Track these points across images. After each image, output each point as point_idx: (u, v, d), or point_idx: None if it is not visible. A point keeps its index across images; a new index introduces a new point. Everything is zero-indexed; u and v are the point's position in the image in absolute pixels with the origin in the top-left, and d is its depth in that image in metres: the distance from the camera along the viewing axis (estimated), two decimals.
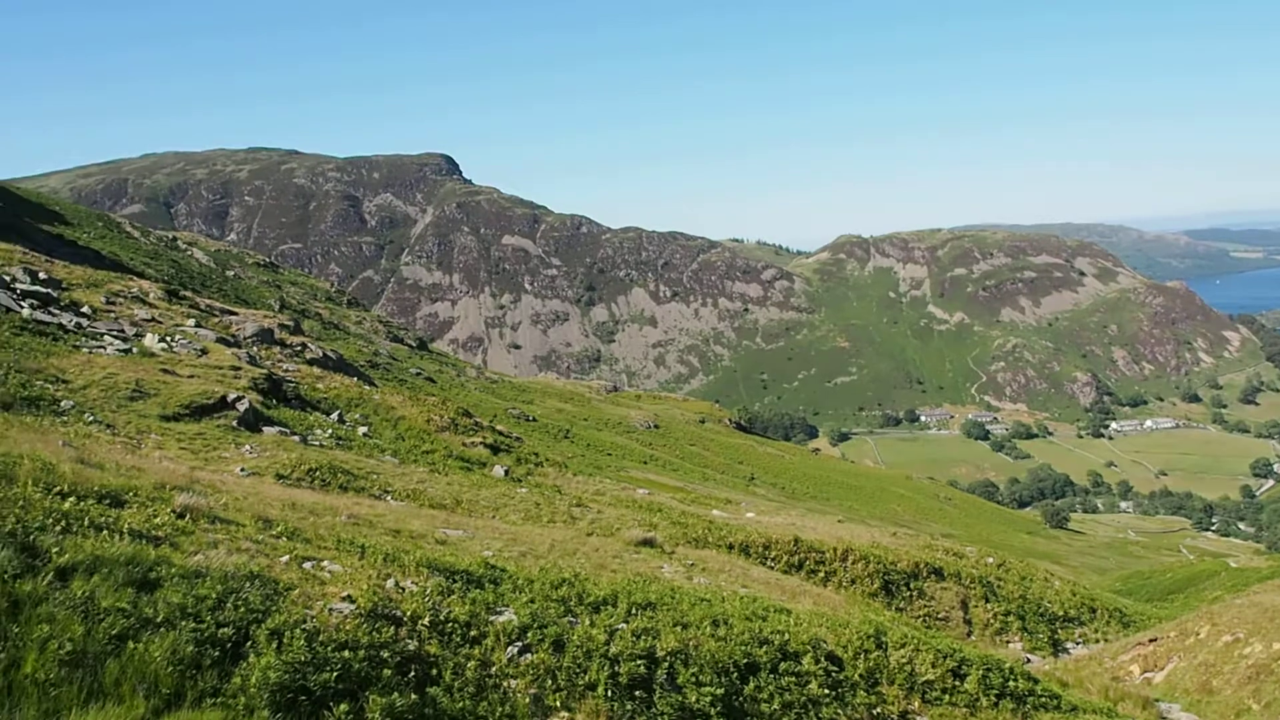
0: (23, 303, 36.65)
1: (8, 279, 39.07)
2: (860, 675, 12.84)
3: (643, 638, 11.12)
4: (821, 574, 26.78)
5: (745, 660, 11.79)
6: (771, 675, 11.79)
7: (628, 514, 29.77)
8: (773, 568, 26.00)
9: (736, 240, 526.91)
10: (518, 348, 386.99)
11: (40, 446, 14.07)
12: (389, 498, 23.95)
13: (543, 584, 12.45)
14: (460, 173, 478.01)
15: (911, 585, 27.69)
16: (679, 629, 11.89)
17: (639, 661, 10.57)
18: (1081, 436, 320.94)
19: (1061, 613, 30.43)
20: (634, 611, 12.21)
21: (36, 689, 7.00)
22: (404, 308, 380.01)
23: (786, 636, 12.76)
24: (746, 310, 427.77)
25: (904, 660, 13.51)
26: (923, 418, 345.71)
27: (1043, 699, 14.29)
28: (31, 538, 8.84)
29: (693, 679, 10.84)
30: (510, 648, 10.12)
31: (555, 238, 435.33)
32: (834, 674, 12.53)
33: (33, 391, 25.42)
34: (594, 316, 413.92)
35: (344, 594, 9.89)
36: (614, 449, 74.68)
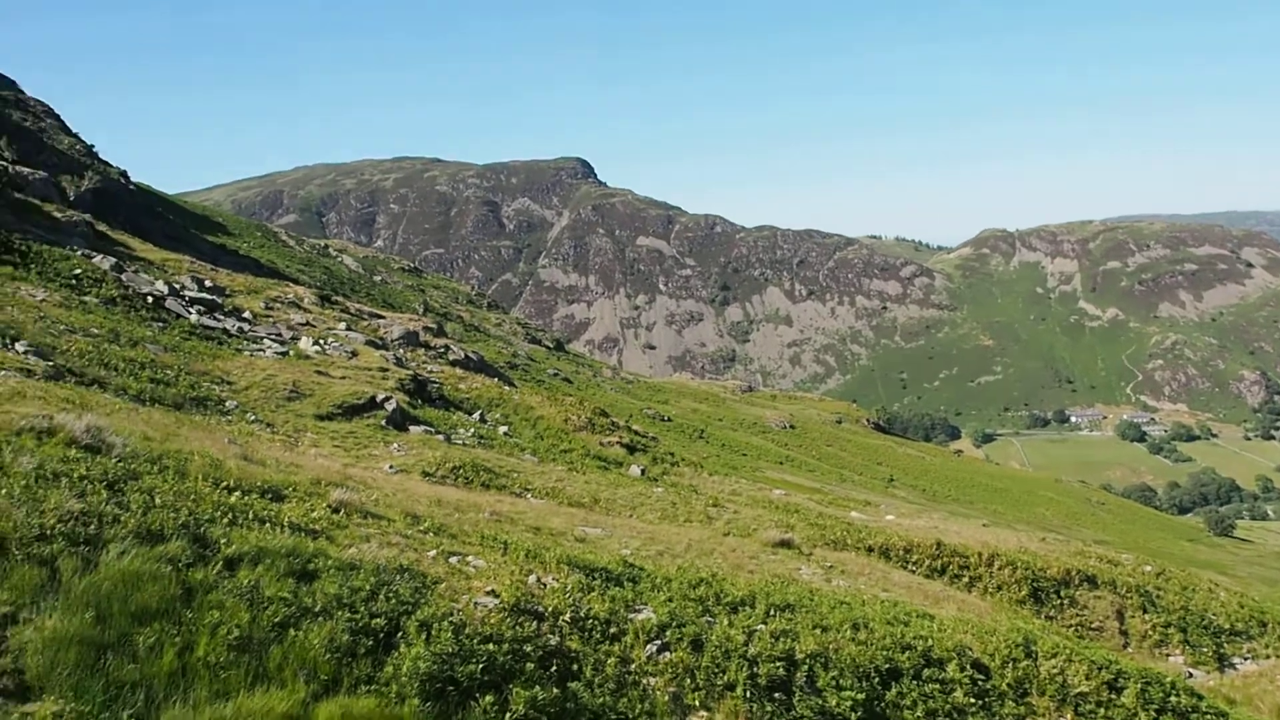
0: (191, 309, 39.10)
1: (178, 287, 41.74)
2: (1008, 685, 12.39)
3: (781, 639, 11.03)
4: (965, 579, 25.96)
5: (887, 665, 11.55)
6: (914, 682, 11.51)
7: (764, 514, 29.57)
8: (914, 572, 25.36)
9: (874, 237, 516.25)
10: (652, 348, 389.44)
11: (208, 444, 14.97)
12: (529, 495, 24.47)
13: (680, 583, 12.50)
14: (595, 176, 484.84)
15: (1062, 593, 26.54)
16: (818, 631, 11.75)
17: (778, 663, 10.49)
18: (1249, 439, 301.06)
19: (1228, 626, 28.61)
20: (772, 613, 12.13)
21: (208, 671, 7.46)
22: (541, 310, 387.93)
23: (930, 642, 12.43)
24: (885, 308, 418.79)
25: (1055, 670, 12.96)
26: (1073, 418, 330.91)
27: (1208, 716, 13.47)
28: (202, 529, 9.42)
29: (833, 682, 10.69)
30: (649, 645, 10.20)
31: (689, 238, 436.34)
32: (980, 683, 12.14)
33: (200, 392, 27.08)
34: (728, 316, 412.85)
35: (488, 588, 10.17)
36: (749, 449, 74.29)
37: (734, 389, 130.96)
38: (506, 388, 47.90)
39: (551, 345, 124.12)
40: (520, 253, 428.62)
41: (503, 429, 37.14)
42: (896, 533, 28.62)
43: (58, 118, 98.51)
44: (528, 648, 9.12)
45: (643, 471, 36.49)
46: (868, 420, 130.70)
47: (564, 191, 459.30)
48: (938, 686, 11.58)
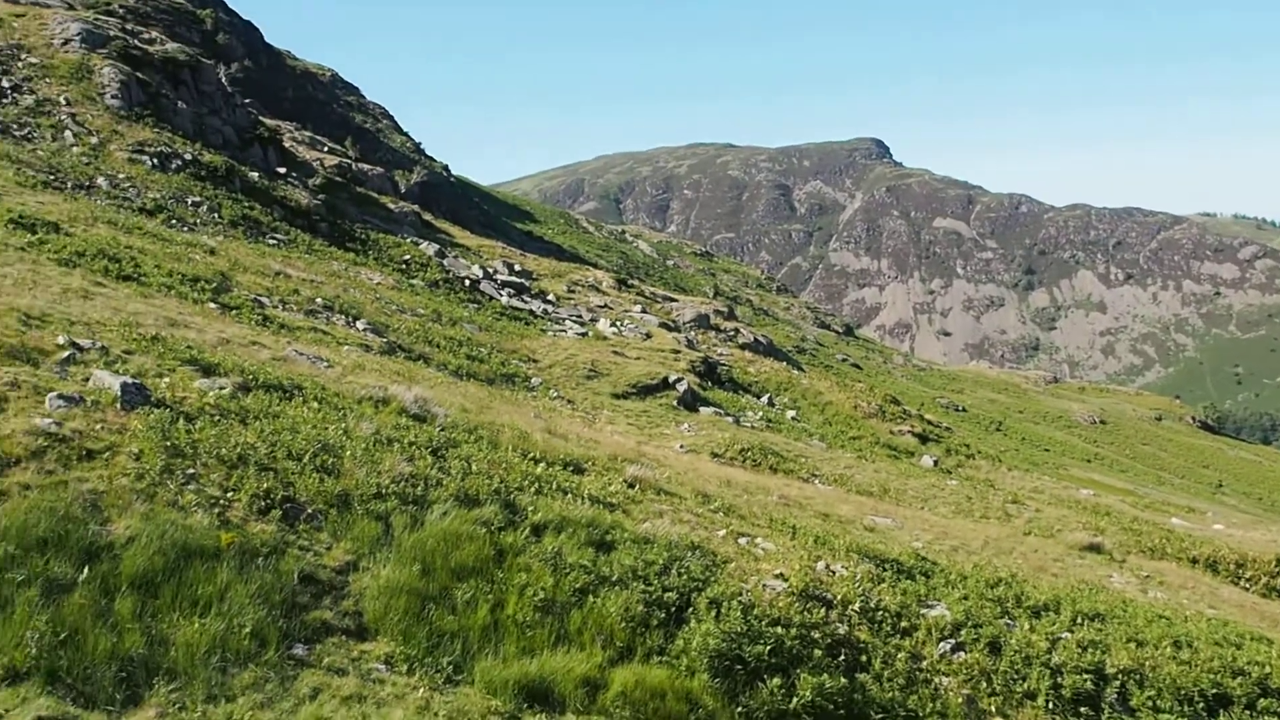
0: (502, 291, 42.08)
1: (491, 271, 45.04)
2: None
3: (1090, 650, 10.23)
4: None
5: (1214, 691, 10.39)
6: (1247, 711, 10.28)
7: (1069, 515, 27.57)
8: (1248, 589, 22.68)
9: (1207, 215, 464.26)
10: (947, 334, 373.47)
11: (517, 417, 16.05)
12: (817, 481, 24.28)
13: (977, 581, 11.91)
14: (890, 156, 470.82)
15: None
16: (1132, 645, 10.78)
17: (1085, 675, 9.74)
18: None
19: None
20: (1079, 621, 11.28)
21: (516, 628, 8.00)
22: (831, 294, 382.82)
23: (1268, 670, 11.06)
24: (1218, 294, 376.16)
25: None
26: None
27: None
28: (512, 496, 10.11)
29: (1149, 703, 9.77)
30: (942, 644, 9.80)
31: (991, 219, 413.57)
32: None
33: (509, 369, 29.10)
34: (1033, 302, 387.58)
35: (776, 571, 10.18)
36: (1052, 444, 69.56)
37: (1037, 379, 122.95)
38: (795, 372, 47.76)
39: (841, 330, 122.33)
40: (811, 236, 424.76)
41: (790, 413, 37.08)
42: (1226, 544, 25.74)
43: (392, 119, 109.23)
44: (815, 634, 9.04)
45: (935, 463, 35.16)
46: (1193, 418, 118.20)
47: (857, 173, 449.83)
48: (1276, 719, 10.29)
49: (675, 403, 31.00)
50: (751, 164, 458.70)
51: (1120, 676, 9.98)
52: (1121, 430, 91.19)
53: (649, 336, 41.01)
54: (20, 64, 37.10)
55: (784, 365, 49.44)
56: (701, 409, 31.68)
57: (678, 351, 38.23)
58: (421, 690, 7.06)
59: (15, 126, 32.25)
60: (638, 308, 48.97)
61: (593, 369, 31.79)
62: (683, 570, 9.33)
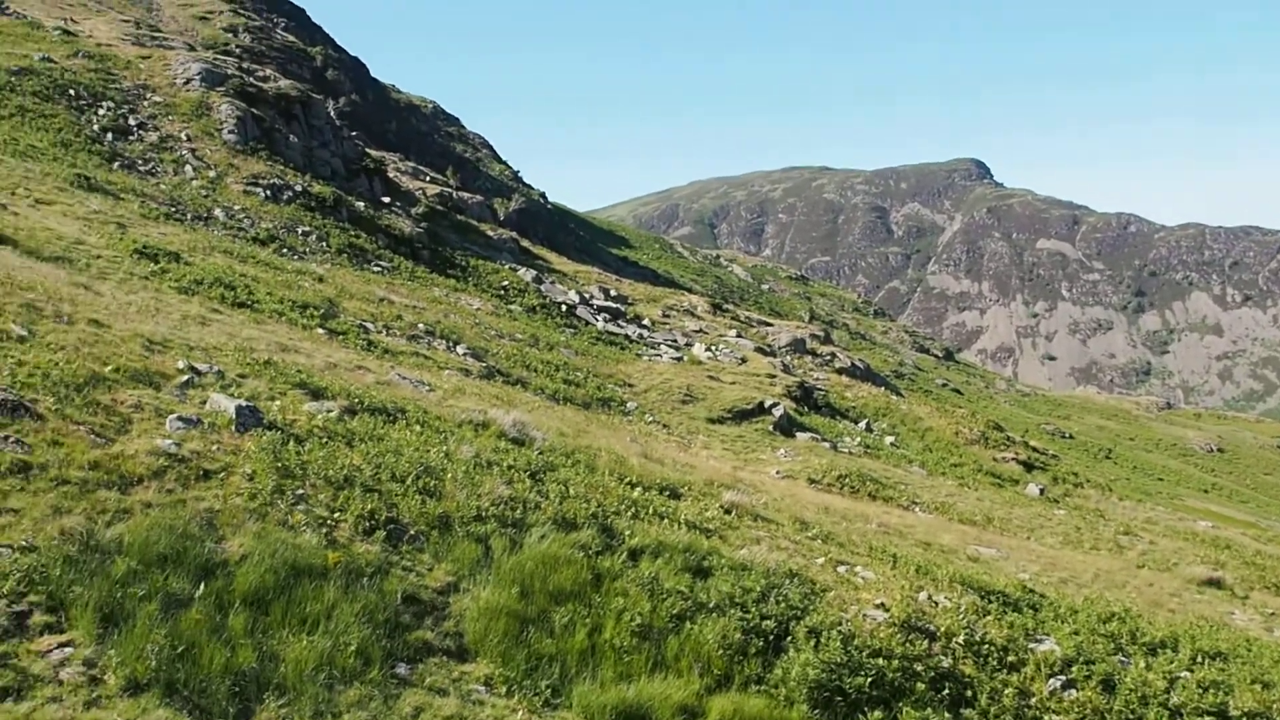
0: (598, 316, 42.45)
1: (587, 296, 45.51)
2: None
3: (1211, 691, 9.72)
4: None
5: None
6: None
7: (1186, 547, 26.36)
8: None
9: None
10: (1052, 359, 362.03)
11: (613, 441, 16.13)
12: (917, 509, 23.75)
13: (1088, 616, 11.46)
14: (991, 176, 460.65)
15: None
16: (1257, 687, 10.21)
17: (1207, 718, 9.26)
18: None
19: None
20: (1199, 659, 10.74)
21: (613, 653, 8.00)
22: (930, 317, 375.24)
23: None
24: None
25: None
26: None
27: None
28: (609, 521, 10.14)
29: None
30: (1052, 680, 9.44)
31: (1097, 239, 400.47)
32: None
33: (605, 393, 29.29)
34: (1143, 325, 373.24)
35: (877, 601, 9.96)
36: (1166, 473, 66.67)
37: (1148, 405, 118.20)
38: (893, 397, 46.91)
39: (940, 354, 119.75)
40: (908, 259, 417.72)
41: (889, 439, 36.41)
42: None
43: (491, 148, 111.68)
44: (918, 666, 8.81)
45: (1041, 491, 34.04)
46: None
47: (956, 194, 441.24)
48: None
49: (771, 428, 30.74)
50: (847, 186, 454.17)
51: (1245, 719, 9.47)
52: (1241, 459, 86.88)
53: (744, 361, 40.83)
54: (146, 103, 39.14)
55: (882, 390, 48.62)
56: (798, 434, 31.34)
57: (773, 376, 37.95)
58: (520, 713, 7.11)
59: (140, 162, 34.00)
60: (733, 332, 48.82)
61: (688, 393, 31.78)
62: (781, 598, 9.21)
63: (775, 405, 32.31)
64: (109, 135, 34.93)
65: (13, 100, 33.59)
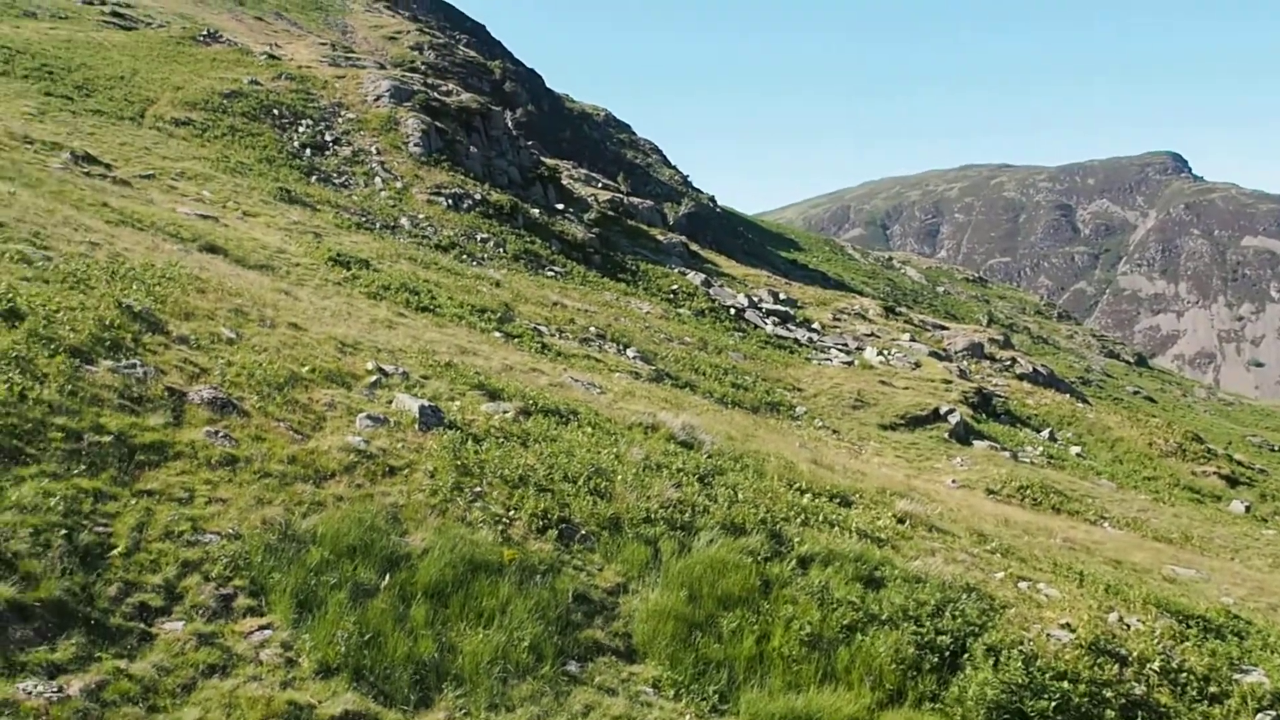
0: (766, 320, 42.17)
1: (756, 299, 45.28)
2: None
3: None
4: None
5: None
6: None
7: None
8: None
9: None
10: (1260, 365, 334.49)
11: (782, 446, 15.97)
12: (1106, 524, 22.43)
13: None
14: (1189, 170, 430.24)
15: None
16: None
17: None
18: None
19: None
20: None
21: (781, 661, 7.91)
22: (1119, 321, 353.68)
23: None
24: None
25: None
26: None
27: None
28: (777, 526, 10.04)
29: None
30: (1260, 715, 8.73)
31: None
32: None
33: (774, 398, 29.04)
34: None
35: (1062, 621, 9.46)
36: None
37: None
38: (1079, 405, 44.47)
39: (1131, 360, 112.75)
40: (1096, 259, 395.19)
41: (1074, 449, 34.54)
42: None
43: (661, 153, 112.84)
44: (1108, 693, 8.31)
45: (1247, 508, 31.48)
46: None
47: (1150, 190, 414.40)
48: None
49: (946, 435, 29.71)
50: (1029, 184, 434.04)
51: None
52: None
53: (918, 366, 39.64)
54: (340, 120, 41.62)
55: (1066, 397, 46.16)
56: (975, 442, 30.16)
57: (949, 381, 36.67)
58: (688, 717, 7.12)
59: (335, 175, 36.16)
60: (906, 336, 47.49)
61: (859, 398, 31.12)
62: (957, 613, 8.88)
63: (951, 412, 31.20)
64: (307, 151, 37.32)
65: (224, 121, 36.40)
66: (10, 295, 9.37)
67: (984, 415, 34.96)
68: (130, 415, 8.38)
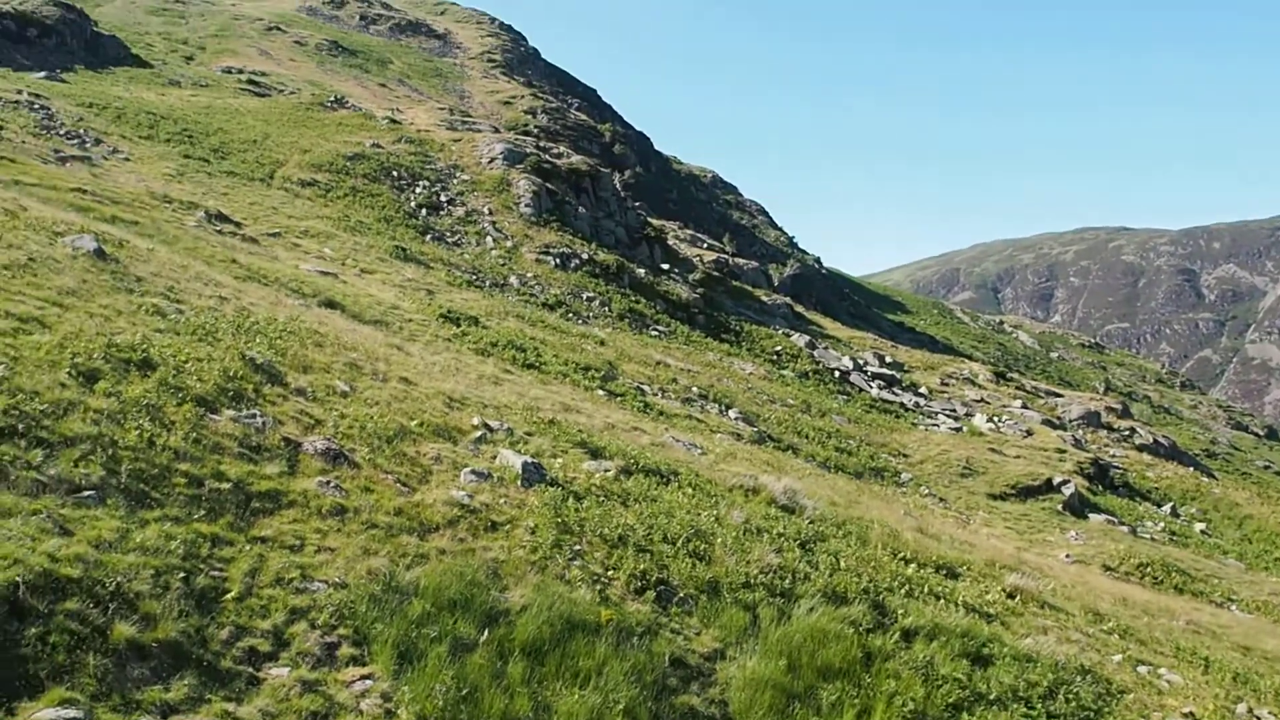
0: (872, 383, 41.51)
1: (861, 362, 44.66)
2: None
3: None
4: None
5: None
6: None
7: None
8: None
9: None
10: None
11: (886, 514, 15.60)
12: (1233, 607, 21.15)
13: None
14: None
15: None
16: None
17: None
18: None
19: None
20: None
21: None
22: (1247, 391, 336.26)
23: None
24: None
25: None
26: None
27: None
28: (881, 597, 9.78)
29: None
30: None
31: None
32: None
33: (878, 463, 28.46)
34: None
35: (1185, 710, 8.93)
36: None
37: None
38: (1204, 479, 42.28)
39: (1261, 433, 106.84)
40: (1222, 326, 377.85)
41: (1199, 526, 32.77)
42: None
43: (767, 214, 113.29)
44: None
45: None
46: None
47: None
48: None
49: (1060, 507, 28.58)
50: (1149, 247, 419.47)
51: None
52: None
53: (1030, 434, 38.35)
54: (455, 181, 43.08)
55: (1190, 471, 43.95)
56: (1090, 515, 28.92)
57: (1063, 451, 35.34)
58: None
59: (449, 234, 37.36)
60: (1017, 403, 46.06)
61: (967, 466, 30.24)
62: (1071, 695, 8.48)
63: (1065, 483, 30.03)
64: (423, 211, 38.69)
65: (347, 182, 38.08)
66: (145, 346, 9.91)
67: (1100, 487, 33.52)
68: (249, 463, 8.73)
